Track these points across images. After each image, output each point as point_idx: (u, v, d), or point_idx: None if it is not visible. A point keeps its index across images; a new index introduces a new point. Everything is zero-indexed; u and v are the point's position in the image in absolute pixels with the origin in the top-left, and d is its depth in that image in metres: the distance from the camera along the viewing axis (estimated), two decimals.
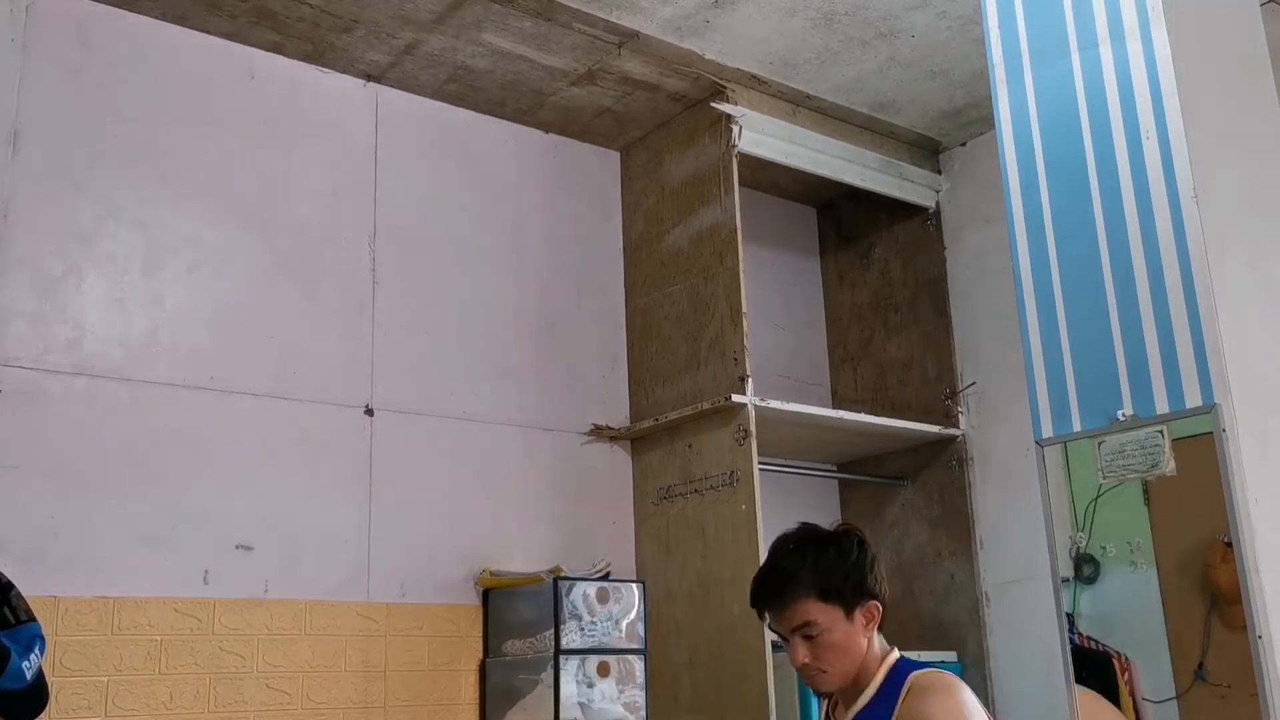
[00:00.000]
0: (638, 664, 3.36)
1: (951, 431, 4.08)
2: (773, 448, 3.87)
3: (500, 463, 3.65)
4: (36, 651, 2.32)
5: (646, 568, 3.78)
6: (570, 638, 3.25)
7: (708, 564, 3.57)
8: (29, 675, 2.28)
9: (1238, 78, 2.60)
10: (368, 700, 3.23)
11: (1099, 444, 2.45)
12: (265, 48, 3.47)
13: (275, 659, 3.11)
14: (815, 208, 4.74)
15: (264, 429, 3.24)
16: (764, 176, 4.30)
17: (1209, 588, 2.39)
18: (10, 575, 2.42)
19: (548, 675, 3.21)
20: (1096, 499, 2.54)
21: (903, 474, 4.26)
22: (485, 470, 3.61)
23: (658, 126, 4.05)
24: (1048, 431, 2.54)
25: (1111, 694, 2.53)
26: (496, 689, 3.40)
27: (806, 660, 2.14)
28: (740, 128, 3.79)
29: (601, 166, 4.17)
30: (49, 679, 2.45)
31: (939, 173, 4.35)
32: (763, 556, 3.40)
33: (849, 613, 2.15)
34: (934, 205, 4.32)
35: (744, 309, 3.63)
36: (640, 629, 3.39)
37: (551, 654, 3.21)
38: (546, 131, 4.04)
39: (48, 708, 2.43)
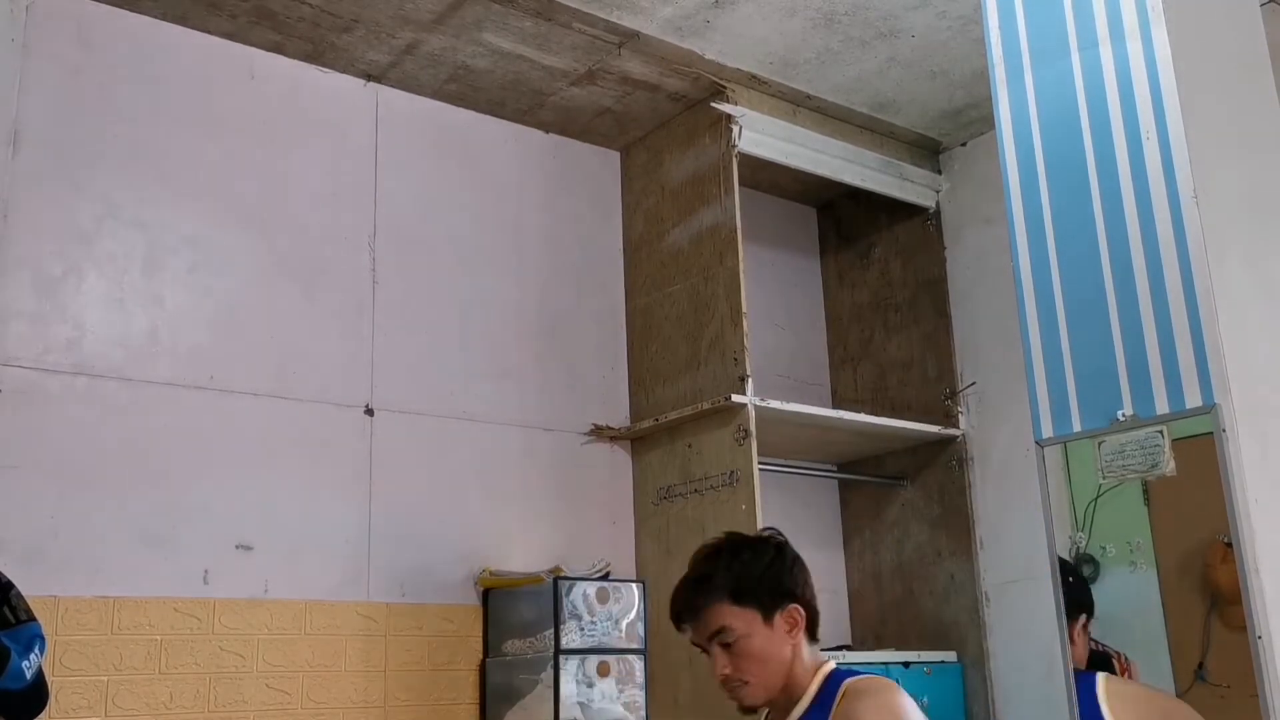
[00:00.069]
0: (637, 664, 3.36)
1: (951, 431, 4.08)
2: (773, 448, 3.87)
3: (500, 463, 3.65)
4: (36, 651, 2.32)
5: (646, 568, 3.79)
6: (570, 637, 3.25)
7: None
8: (29, 675, 2.28)
9: (1238, 78, 2.60)
10: (368, 700, 3.23)
11: (1099, 444, 2.45)
12: (265, 48, 3.47)
13: (275, 659, 3.11)
14: (815, 208, 4.74)
15: (264, 429, 3.24)
16: (764, 176, 4.30)
17: (1209, 588, 2.38)
18: (10, 575, 2.42)
19: (547, 675, 3.21)
20: (1096, 499, 2.54)
21: (903, 474, 4.26)
22: (485, 470, 3.61)
23: (658, 126, 4.05)
24: (1048, 431, 2.54)
25: None
26: (496, 689, 3.40)
27: (727, 671, 2.03)
28: (740, 128, 3.79)
29: (601, 166, 4.17)
30: (49, 679, 2.45)
31: (939, 173, 4.35)
32: None
33: (767, 616, 2.02)
34: (934, 205, 4.32)
35: (744, 309, 3.63)
36: (640, 629, 3.39)
37: (551, 654, 3.21)
38: (546, 131, 4.04)
39: (48, 708, 2.43)
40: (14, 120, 3.03)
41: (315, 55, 3.53)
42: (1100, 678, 2.20)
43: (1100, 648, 2.57)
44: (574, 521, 3.75)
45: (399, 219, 3.64)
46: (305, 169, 3.50)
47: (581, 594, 3.31)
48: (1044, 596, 2.70)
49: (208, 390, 3.18)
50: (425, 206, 3.71)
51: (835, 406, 4.37)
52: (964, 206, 4.25)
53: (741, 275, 3.65)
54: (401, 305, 3.58)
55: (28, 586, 2.46)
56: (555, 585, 3.28)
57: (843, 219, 4.65)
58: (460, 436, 3.59)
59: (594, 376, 3.95)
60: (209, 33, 3.38)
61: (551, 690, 3.18)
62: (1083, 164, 2.52)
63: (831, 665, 2.07)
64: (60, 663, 2.80)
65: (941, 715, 3.79)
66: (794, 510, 4.26)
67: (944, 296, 4.23)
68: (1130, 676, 2.54)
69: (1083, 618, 2.46)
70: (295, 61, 3.53)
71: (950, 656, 3.93)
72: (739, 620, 2.01)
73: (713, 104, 3.81)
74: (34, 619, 2.37)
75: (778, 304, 4.48)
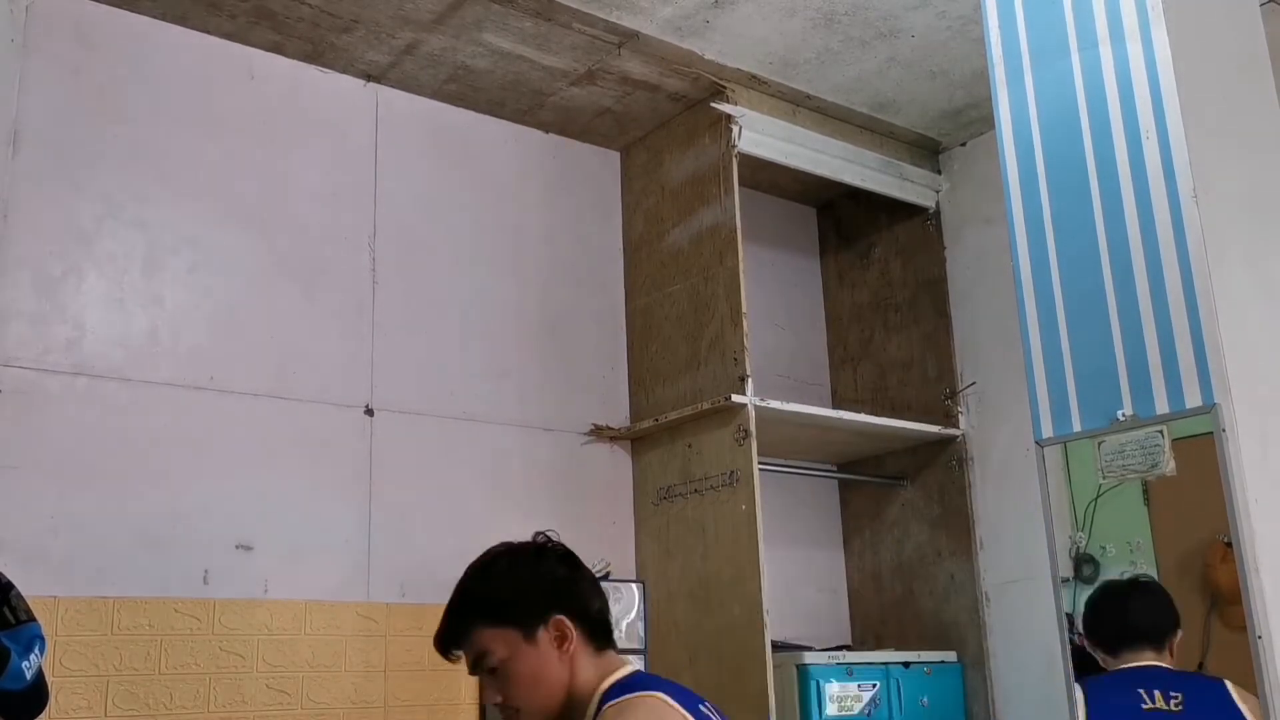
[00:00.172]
0: (637, 664, 3.36)
1: (951, 431, 4.08)
2: (773, 448, 3.87)
3: (500, 463, 3.65)
4: (36, 651, 2.32)
5: (646, 568, 3.79)
6: None
7: (708, 564, 3.57)
8: (29, 675, 2.28)
9: (1238, 78, 2.60)
10: (368, 700, 3.23)
11: (1099, 444, 2.45)
12: (265, 48, 3.47)
13: (275, 659, 3.11)
14: (815, 208, 4.74)
15: (264, 429, 3.24)
16: (764, 176, 4.29)
17: (1209, 588, 2.39)
18: (10, 575, 2.42)
19: None
20: (1096, 499, 2.54)
21: (903, 474, 4.26)
22: (485, 470, 3.61)
23: (658, 126, 4.05)
24: (1048, 431, 2.54)
25: None
26: None
27: (497, 699, 1.82)
28: (740, 128, 3.79)
29: (601, 166, 4.17)
30: (49, 679, 2.45)
31: (939, 173, 4.35)
32: (763, 557, 3.43)
33: (528, 634, 1.78)
34: (934, 205, 4.32)
35: (744, 309, 3.63)
36: (640, 629, 3.39)
37: None
38: (546, 131, 4.04)
39: (47, 708, 2.43)
40: (14, 120, 3.03)
41: (315, 55, 3.53)
42: (1230, 684, 2.19)
43: None
44: (574, 522, 3.74)
45: (399, 219, 3.64)
46: (305, 169, 3.50)
47: None
48: (1044, 596, 2.71)
49: (208, 390, 3.18)
50: (425, 206, 3.71)
51: (835, 406, 4.37)
52: (964, 206, 4.25)
53: (741, 275, 3.65)
54: (401, 305, 3.58)
55: (28, 587, 2.46)
56: None
57: (843, 219, 4.65)
58: (460, 436, 3.59)
59: (594, 376, 3.95)
60: (209, 33, 3.38)
61: None
62: (1083, 164, 2.52)
63: (610, 681, 1.77)
64: (60, 663, 2.80)
65: (941, 715, 3.79)
66: (794, 510, 4.26)
67: (944, 296, 4.23)
68: None
69: (1180, 633, 2.42)
70: (295, 61, 3.53)
71: (950, 656, 3.93)
72: (498, 643, 1.79)
73: (713, 104, 3.81)
74: (34, 619, 2.37)
75: (778, 304, 4.48)
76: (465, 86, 3.74)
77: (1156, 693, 2.25)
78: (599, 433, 3.88)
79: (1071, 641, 2.53)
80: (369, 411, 3.44)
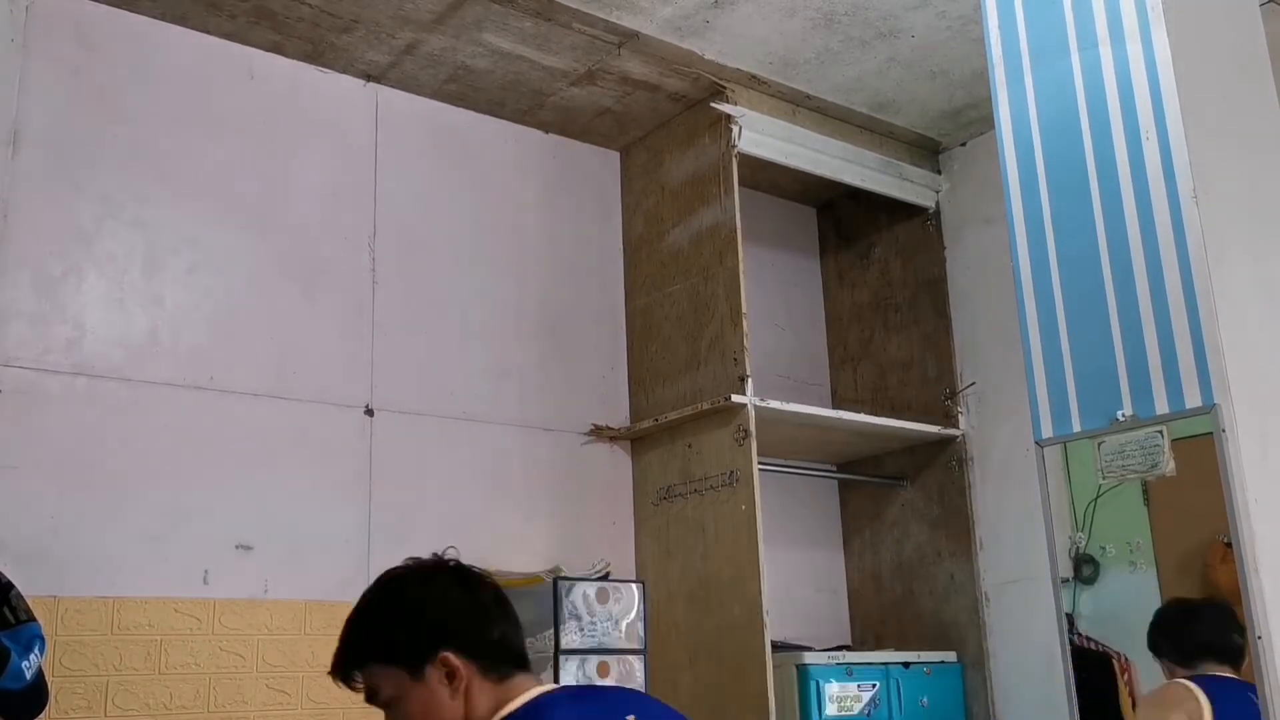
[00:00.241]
0: (637, 664, 3.36)
1: (951, 431, 4.08)
2: (773, 448, 3.86)
3: (500, 463, 3.65)
4: (36, 651, 2.32)
5: (646, 568, 3.78)
6: (570, 638, 3.25)
7: (708, 564, 3.57)
8: (29, 675, 2.29)
9: (1238, 78, 2.60)
10: None
11: (1099, 444, 2.45)
12: (265, 48, 3.47)
13: (275, 659, 3.11)
14: (815, 208, 4.74)
15: (264, 429, 3.24)
16: (764, 176, 4.29)
17: (1209, 588, 2.39)
18: (10, 575, 2.42)
19: (547, 675, 3.21)
20: (1096, 499, 2.54)
21: (902, 474, 4.26)
22: (485, 470, 3.61)
23: (658, 126, 4.05)
24: (1047, 432, 2.54)
25: (1111, 694, 2.53)
26: None
27: None
28: (740, 128, 3.79)
29: (601, 166, 4.17)
30: (49, 679, 2.46)
31: (939, 173, 4.35)
32: (763, 557, 3.43)
33: (414, 673, 1.63)
34: (934, 205, 4.32)
35: (744, 309, 3.63)
36: (640, 629, 3.39)
37: (551, 654, 3.21)
38: (546, 131, 4.04)
39: (47, 708, 2.43)
40: (14, 120, 3.03)
41: (315, 55, 3.53)
42: None
43: (1100, 648, 2.57)
44: (574, 521, 3.75)
45: (399, 219, 3.64)
46: (305, 169, 3.50)
47: (581, 594, 3.31)
48: (1044, 596, 2.71)
49: (208, 390, 3.18)
50: (425, 206, 3.71)
51: (835, 406, 4.37)
52: (964, 206, 4.25)
53: (741, 275, 3.65)
54: (401, 305, 3.58)
55: (28, 586, 2.47)
56: (555, 585, 3.28)
57: (843, 219, 4.65)
58: (460, 436, 3.59)
59: (594, 376, 3.95)
60: (209, 33, 3.38)
61: None
62: (1083, 164, 2.52)
63: (501, 715, 1.61)
64: (60, 663, 2.80)
65: (941, 715, 3.80)
66: (794, 510, 4.26)
67: (944, 296, 4.23)
68: (1130, 677, 2.54)
69: None
70: (295, 61, 3.53)
71: (950, 656, 3.93)
72: (385, 681, 1.66)
73: (713, 104, 3.81)
74: (34, 619, 2.37)
75: (778, 304, 4.48)
76: (465, 86, 3.74)
77: (1251, 697, 2.25)
78: (599, 433, 3.88)
79: (1071, 641, 2.53)
80: (369, 411, 3.44)
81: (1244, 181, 2.49)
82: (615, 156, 4.21)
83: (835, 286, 4.64)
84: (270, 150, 3.44)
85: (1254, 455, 2.24)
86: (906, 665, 3.77)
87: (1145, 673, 2.51)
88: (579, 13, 3.36)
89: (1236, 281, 2.34)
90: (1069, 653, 2.51)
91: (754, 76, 3.78)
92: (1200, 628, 2.43)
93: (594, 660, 3.28)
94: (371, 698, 1.68)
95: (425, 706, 1.62)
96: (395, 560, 3.22)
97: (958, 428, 4.10)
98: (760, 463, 3.53)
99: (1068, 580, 2.58)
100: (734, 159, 3.76)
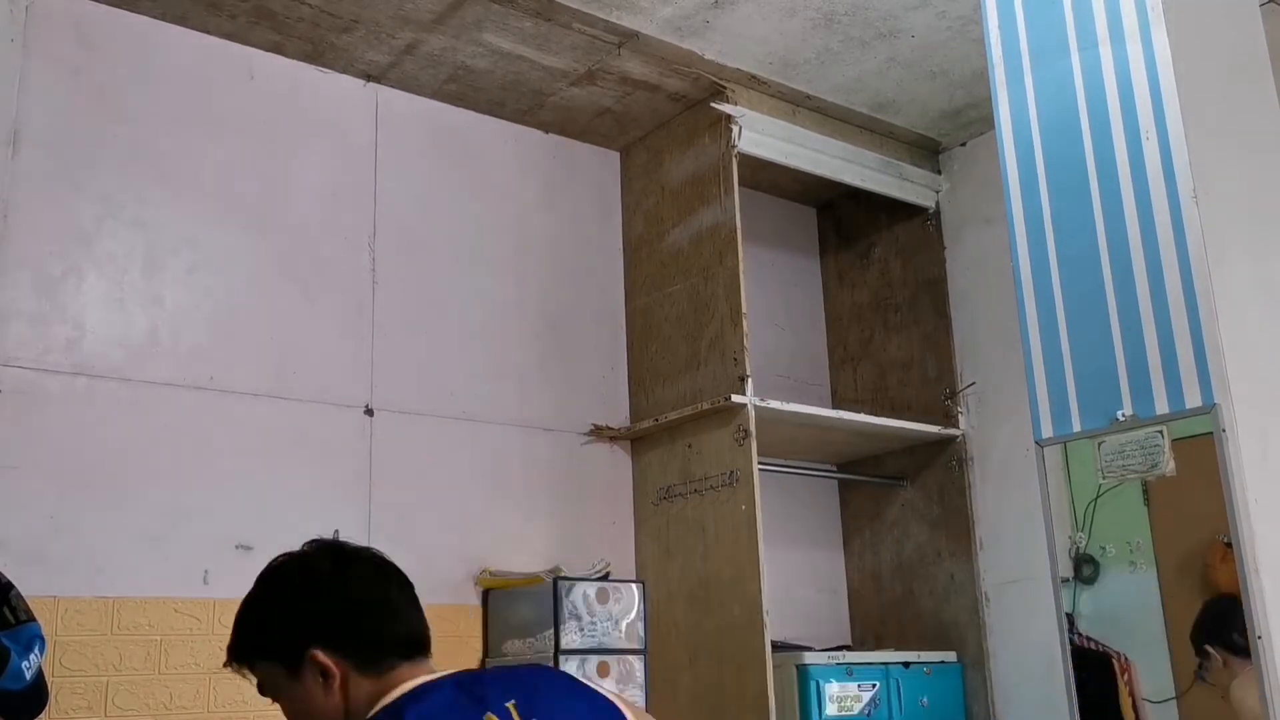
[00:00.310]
0: (637, 664, 3.36)
1: (951, 431, 4.08)
2: (773, 448, 3.86)
3: (500, 463, 3.65)
4: (36, 651, 2.32)
5: (646, 568, 3.78)
6: (570, 638, 3.25)
7: (707, 564, 3.57)
8: (28, 675, 2.29)
9: (1238, 78, 2.60)
10: None
11: (1099, 444, 2.45)
12: (265, 48, 3.47)
13: None
14: (815, 208, 4.74)
15: (264, 429, 3.24)
16: (764, 176, 4.29)
17: (1209, 588, 2.39)
18: (10, 575, 2.43)
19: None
20: (1096, 499, 2.54)
21: (902, 474, 4.26)
22: (485, 470, 3.61)
23: (658, 126, 4.05)
24: (1047, 432, 2.54)
25: (1111, 694, 2.53)
26: None
27: None
28: (740, 128, 3.79)
29: (601, 166, 4.17)
30: (49, 679, 2.46)
31: (939, 173, 4.35)
32: (763, 557, 3.43)
33: (290, 671, 1.58)
34: (934, 205, 4.32)
35: (744, 309, 3.63)
36: (640, 629, 3.39)
37: (551, 654, 3.21)
38: (546, 131, 4.04)
39: (47, 708, 2.43)
40: (14, 120, 3.02)
41: (315, 55, 3.53)
42: None
43: (1100, 648, 2.57)
44: (574, 521, 3.75)
45: (399, 219, 3.64)
46: (305, 169, 3.50)
47: (581, 594, 3.31)
48: (1044, 596, 2.71)
49: (208, 390, 3.18)
50: (425, 206, 3.71)
51: (835, 406, 4.37)
52: (964, 206, 4.25)
53: (741, 275, 3.65)
54: (401, 305, 3.58)
55: (28, 586, 2.47)
56: (555, 585, 3.28)
57: (843, 219, 4.65)
58: (460, 436, 3.59)
59: (594, 376, 3.95)
60: (209, 33, 3.38)
61: None
62: (1083, 164, 2.53)
63: (374, 711, 1.51)
64: (60, 663, 2.80)
65: (941, 715, 3.80)
66: (794, 510, 4.26)
67: (944, 296, 4.23)
68: (1130, 677, 2.54)
69: None
70: (295, 61, 3.53)
71: (950, 656, 3.93)
72: (267, 676, 1.62)
73: (712, 104, 3.81)
74: (33, 619, 2.37)
75: (778, 304, 4.48)
76: (465, 86, 3.74)
77: None
78: (599, 433, 3.88)
79: (1071, 641, 2.53)
80: (369, 411, 3.44)
81: (1244, 181, 2.49)
82: (615, 156, 4.21)
83: (835, 286, 4.64)
84: (270, 150, 3.44)
85: (1254, 455, 2.24)
86: (906, 665, 3.77)
87: (1145, 672, 2.51)
88: (579, 13, 3.36)
89: (1236, 281, 2.35)
90: (1069, 653, 2.51)
91: (754, 76, 3.78)
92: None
93: (594, 660, 3.28)
94: (260, 690, 1.65)
95: (303, 703, 1.58)
96: (394, 560, 3.22)
97: (958, 428, 4.10)
98: (760, 463, 3.53)
99: (1068, 580, 2.58)
100: (734, 159, 3.76)
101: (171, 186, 3.25)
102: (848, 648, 4.08)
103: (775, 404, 3.65)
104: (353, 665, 1.56)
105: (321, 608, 1.60)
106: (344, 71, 3.61)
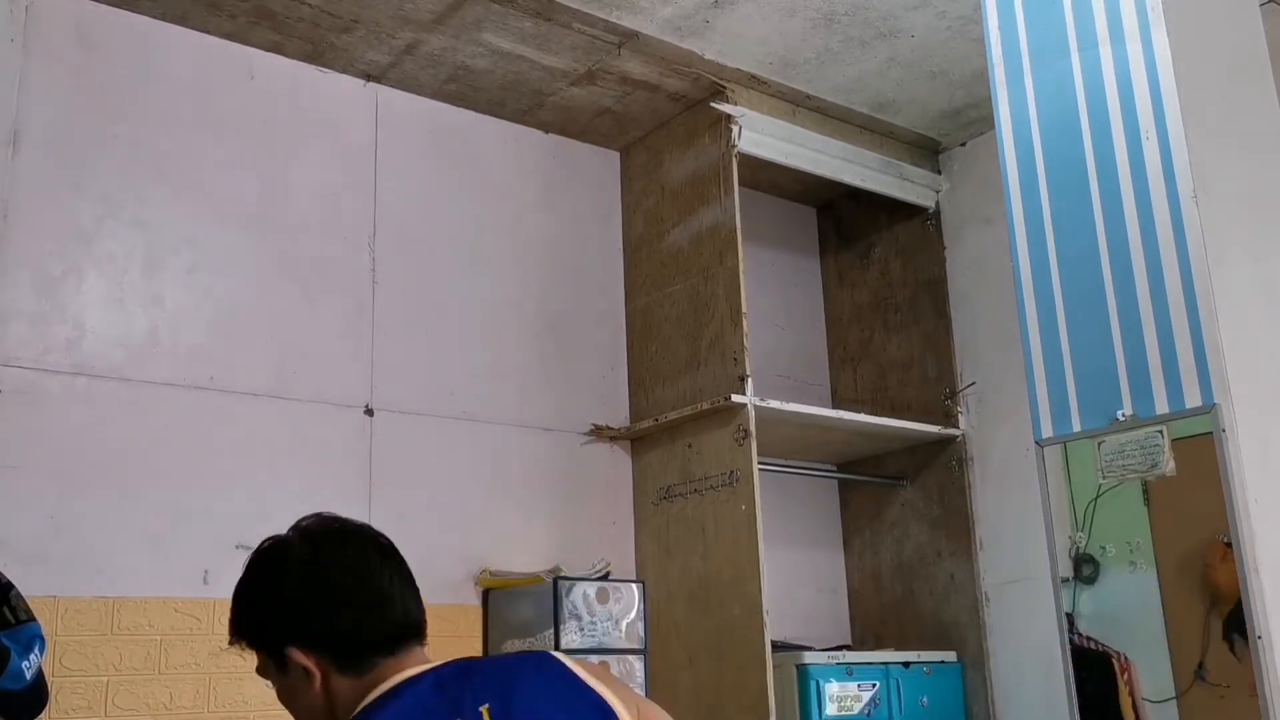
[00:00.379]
0: (638, 664, 3.36)
1: (951, 431, 4.08)
2: (773, 448, 3.87)
3: (500, 463, 3.65)
4: (36, 651, 2.32)
5: (646, 568, 3.78)
6: (570, 638, 3.25)
7: (708, 564, 3.57)
8: (28, 675, 2.28)
9: (1238, 78, 2.61)
10: None
11: (1099, 444, 2.45)
12: (265, 48, 3.47)
13: None
14: (815, 208, 4.74)
15: (264, 429, 3.24)
16: (764, 176, 4.29)
17: (1209, 588, 2.39)
18: (10, 575, 2.42)
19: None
20: (1096, 499, 2.54)
21: (902, 474, 4.26)
22: (485, 470, 3.61)
23: (658, 126, 4.05)
24: (1048, 431, 2.54)
25: (1111, 694, 2.53)
26: None
27: None
28: (740, 128, 3.79)
29: (601, 166, 4.17)
30: (49, 679, 2.45)
31: (939, 173, 4.35)
32: (763, 557, 3.43)
33: (278, 663, 1.52)
34: (934, 205, 4.32)
35: (744, 309, 3.63)
36: (640, 629, 3.39)
37: None
38: (546, 131, 4.04)
39: (47, 708, 2.43)
40: (14, 120, 3.02)
41: (315, 55, 3.52)
42: None
43: (1100, 647, 2.57)
44: (574, 521, 3.75)
45: (399, 219, 3.64)
46: (305, 169, 3.50)
47: (581, 594, 3.31)
48: (1044, 596, 2.71)
49: (208, 390, 3.18)
50: (425, 206, 3.71)
51: (835, 406, 4.37)
52: (964, 206, 4.25)
53: (741, 275, 3.65)
54: (401, 305, 3.58)
55: (28, 586, 2.47)
56: (555, 585, 3.28)
57: (843, 219, 4.65)
58: (460, 436, 3.59)
59: (594, 376, 3.95)
60: (209, 33, 3.38)
61: None
62: (1083, 164, 2.53)
63: (355, 713, 1.45)
64: (60, 663, 2.80)
65: (941, 715, 3.80)
66: (794, 510, 4.26)
67: (944, 296, 4.23)
68: (1130, 677, 2.54)
69: None
70: (295, 61, 3.53)
71: (950, 656, 3.93)
72: (260, 664, 1.58)
73: (712, 104, 3.81)
74: (33, 619, 2.37)
75: (778, 304, 4.48)
76: (465, 86, 3.74)
77: None
78: (599, 433, 3.88)
79: (1071, 641, 2.53)
80: (369, 411, 3.44)
81: (1244, 181, 2.49)
82: (615, 156, 4.21)
83: (835, 286, 4.64)
84: (270, 150, 3.44)
85: (1254, 455, 2.24)
86: (906, 665, 3.77)
87: (1145, 672, 2.51)
88: (579, 13, 3.36)
89: (1236, 281, 2.35)
90: (1069, 653, 2.51)
91: (754, 76, 3.78)
92: None
93: (594, 660, 3.27)
94: (258, 671, 1.60)
95: (291, 695, 1.53)
96: None
97: (958, 428, 4.10)
98: (760, 463, 3.53)
99: (1068, 580, 2.58)
100: (734, 159, 3.76)
101: (171, 186, 3.25)
102: (848, 647, 4.08)
103: (775, 404, 3.65)
104: (332, 664, 1.49)
105: (298, 605, 1.53)
106: (344, 71, 3.61)
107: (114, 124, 3.19)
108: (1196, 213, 2.31)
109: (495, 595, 3.47)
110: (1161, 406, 2.33)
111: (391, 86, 3.70)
